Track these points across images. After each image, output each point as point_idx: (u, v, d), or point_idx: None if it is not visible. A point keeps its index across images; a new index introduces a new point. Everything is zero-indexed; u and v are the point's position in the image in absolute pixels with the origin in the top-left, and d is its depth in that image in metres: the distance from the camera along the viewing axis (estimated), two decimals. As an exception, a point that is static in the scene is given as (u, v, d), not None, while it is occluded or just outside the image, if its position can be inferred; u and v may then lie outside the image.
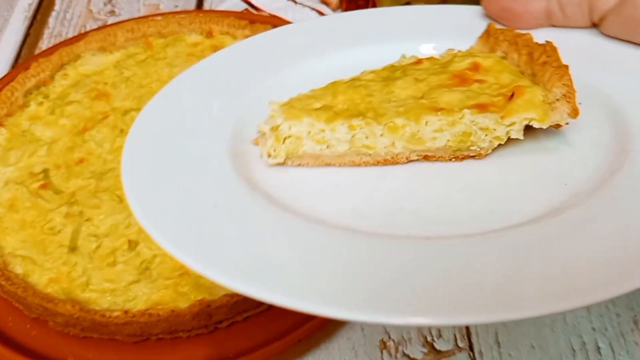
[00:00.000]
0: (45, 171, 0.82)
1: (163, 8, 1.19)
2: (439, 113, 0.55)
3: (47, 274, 0.71)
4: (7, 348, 0.66)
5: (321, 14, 1.10)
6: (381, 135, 0.56)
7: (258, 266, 0.45)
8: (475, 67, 0.60)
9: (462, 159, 0.57)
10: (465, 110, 0.55)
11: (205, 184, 0.53)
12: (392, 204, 0.54)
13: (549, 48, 0.57)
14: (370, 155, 0.57)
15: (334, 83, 0.61)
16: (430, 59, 0.63)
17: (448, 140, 0.56)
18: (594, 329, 0.71)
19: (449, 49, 0.64)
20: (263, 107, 0.59)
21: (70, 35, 1.14)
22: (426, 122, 0.55)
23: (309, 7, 1.11)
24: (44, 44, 1.13)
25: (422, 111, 0.56)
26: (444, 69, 0.61)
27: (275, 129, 0.57)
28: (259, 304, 0.68)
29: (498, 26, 0.64)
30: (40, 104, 0.92)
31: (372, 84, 0.60)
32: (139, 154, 0.55)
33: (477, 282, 0.43)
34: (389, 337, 0.71)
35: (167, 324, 0.66)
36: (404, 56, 0.64)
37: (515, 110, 0.54)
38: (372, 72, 0.62)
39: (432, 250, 0.47)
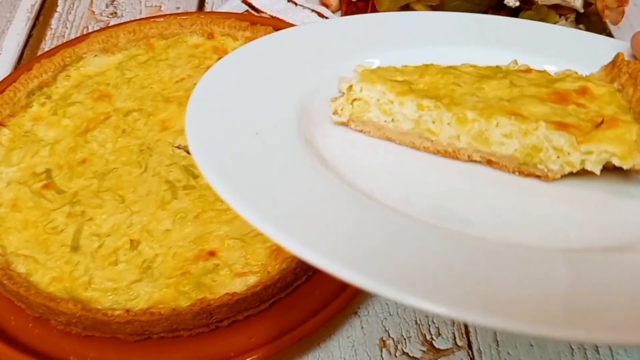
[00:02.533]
0: (48, 171, 0.83)
1: (165, 9, 1.20)
2: (512, 117, 0.52)
3: (49, 273, 0.71)
4: (9, 347, 0.67)
5: (321, 15, 1.10)
6: (448, 123, 0.54)
7: (291, 219, 0.44)
8: (583, 91, 0.55)
9: (527, 175, 0.53)
10: (541, 123, 0.51)
11: (264, 136, 0.52)
12: (439, 199, 0.51)
13: None
14: (432, 141, 0.55)
15: (428, 65, 0.60)
16: (541, 71, 0.60)
17: (516, 149, 0.52)
18: (592, 328, 0.71)
19: (567, 69, 0.60)
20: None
21: (72, 36, 1.14)
22: (497, 123, 0.52)
23: (309, 8, 1.12)
24: (46, 45, 1.13)
25: (497, 111, 0.52)
26: (549, 84, 0.57)
27: (349, 89, 0.57)
28: (260, 303, 0.69)
29: (628, 57, 0.58)
30: (43, 104, 0.92)
31: (465, 76, 0.58)
32: (206, 103, 0.54)
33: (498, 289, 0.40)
34: (389, 336, 0.71)
35: (168, 323, 0.66)
36: (515, 62, 0.61)
37: (596, 139, 0.49)
38: (474, 66, 0.60)
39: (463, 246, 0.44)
